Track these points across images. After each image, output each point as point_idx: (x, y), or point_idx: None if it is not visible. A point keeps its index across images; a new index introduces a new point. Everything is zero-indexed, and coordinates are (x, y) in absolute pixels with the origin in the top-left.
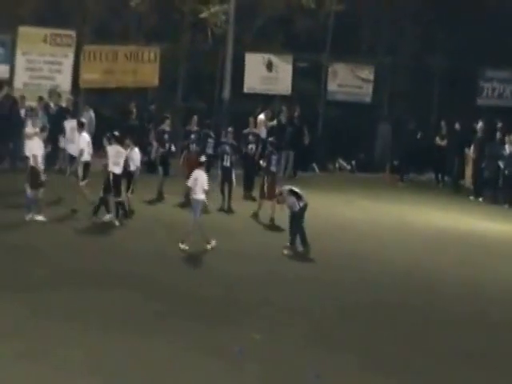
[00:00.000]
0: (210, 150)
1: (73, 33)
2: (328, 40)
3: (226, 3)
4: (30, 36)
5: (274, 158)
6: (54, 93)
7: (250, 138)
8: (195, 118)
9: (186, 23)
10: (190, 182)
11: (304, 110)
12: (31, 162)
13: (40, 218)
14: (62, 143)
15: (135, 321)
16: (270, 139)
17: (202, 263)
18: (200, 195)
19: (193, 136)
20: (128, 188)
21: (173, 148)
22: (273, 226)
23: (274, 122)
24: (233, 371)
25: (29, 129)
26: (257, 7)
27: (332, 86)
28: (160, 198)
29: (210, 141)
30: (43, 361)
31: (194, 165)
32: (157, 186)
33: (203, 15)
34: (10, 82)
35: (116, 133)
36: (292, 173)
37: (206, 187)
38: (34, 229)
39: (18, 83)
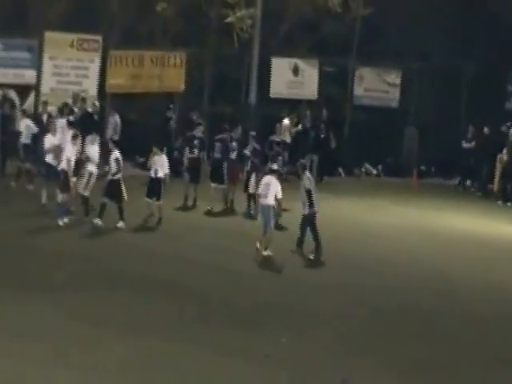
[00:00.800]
0: (232, 155)
1: (99, 38)
2: (354, 44)
3: (252, 7)
4: (56, 41)
5: (280, 158)
6: (78, 97)
7: (275, 146)
8: (240, 128)
9: (213, 28)
10: (260, 188)
11: (330, 114)
12: (64, 166)
13: (98, 222)
14: None
15: (166, 325)
16: (277, 139)
17: (231, 269)
18: (271, 201)
19: (234, 144)
20: (157, 195)
21: (203, 154)
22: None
23: (299, 127)
24: (261, 375)
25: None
26: (283, 11)
27: (358, 91)
28: (194, 205)
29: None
30: (74, 363)
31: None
32: (187, 193)
33: (229, 20)
34: (37, 87)
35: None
36: (318, 178)
37: (280, 195)
38: (64, 233)
39: (45, 88)
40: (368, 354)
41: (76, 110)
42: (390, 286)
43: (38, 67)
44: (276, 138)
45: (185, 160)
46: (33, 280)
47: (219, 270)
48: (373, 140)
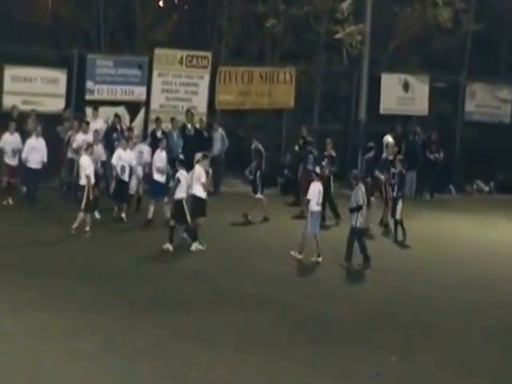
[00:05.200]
0: (310, 166)
1: (208, 54)
2: (465, 59)
3: (361, 23)
4: (165, 58)
5: (311, 156)
6: (189, 114)
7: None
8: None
9: (322, 44)
10: (310, 195)
11: (441, 130)
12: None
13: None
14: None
15: (267, 342)
16: (309, 138)
17: (322, 282)
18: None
19: (311, 156)
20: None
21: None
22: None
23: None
24: None
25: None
26: (392, 27)
27: (470, 107)
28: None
29: (311, 156)
30: (182, 382)
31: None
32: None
33: (339, 36)
34: (146, 103)
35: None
36: (418, 194)
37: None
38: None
39: (155, 105)
40: (480, 374)
41: (189, 126)
42: (509, 303)
43: (148, 84)
44: (390, 156)
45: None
46: (140, 300)
47: (314, 285)
48: (484, 156)
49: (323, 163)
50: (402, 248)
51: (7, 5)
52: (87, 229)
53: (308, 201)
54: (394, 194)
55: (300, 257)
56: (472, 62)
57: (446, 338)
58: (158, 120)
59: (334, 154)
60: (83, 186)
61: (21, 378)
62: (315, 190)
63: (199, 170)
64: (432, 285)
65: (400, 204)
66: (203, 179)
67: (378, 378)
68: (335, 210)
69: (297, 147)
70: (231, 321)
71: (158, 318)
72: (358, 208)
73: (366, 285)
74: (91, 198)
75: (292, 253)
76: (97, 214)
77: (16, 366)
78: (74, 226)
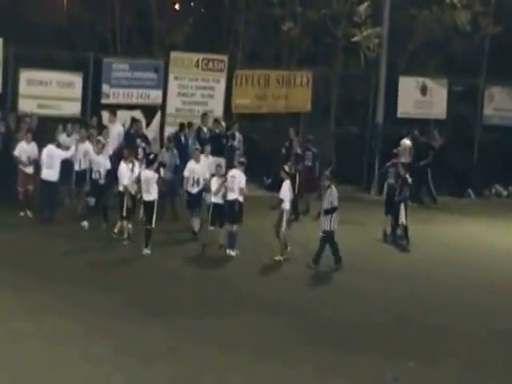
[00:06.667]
0: (309, 162)
1: (225, 57)
2: (484, 63)
3: (378, 26)
4: (181, 61)
5: (309, 153)
6: (206, 117)
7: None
8: None
9: (339, 47)
10: (282, 194)
11: (459, 134)
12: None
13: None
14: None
15: (284, 347)
16: (310, 137)
17: (338, 286)
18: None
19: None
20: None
21: None
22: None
23: None
24: None
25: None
26: (410, 30)
27: (488, 110)
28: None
29: (309, 153)
30: None
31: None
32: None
33: (356, 39)
34: (162, 107)
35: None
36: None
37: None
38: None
39: (171, 108)
40: (498, 378)
41: (205, 130)
42: None
43: (164, 88)
44: (404, 159)
45: None
46: (159, 303)
47: (330, 288)
48: (503, 160)
49: (289, 163)
50: (406, 252)
51: (23, 8)
52: (125, 236)
53: (281, 200)
54: (396, 198)
55: (282, 258)
56: (490, 65)
57: (463, 343)
58: (188, 124)
59: (300, 152)
60: (122, 194)
61: (34, 381)
62: (286, 189)
63: (239, 174)
64: (449, 289)
65: (402, 208)
66: (242, 184)
67: (395, 383)
68: (296, 208)
69: (283, 150)
70: (247, 325)
71: (172, 321)
72: (333, 210)
73: (383, 289)
74: (129, 205)
75: (276, 258)
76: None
77: (29, 369)
78: (116, 230)
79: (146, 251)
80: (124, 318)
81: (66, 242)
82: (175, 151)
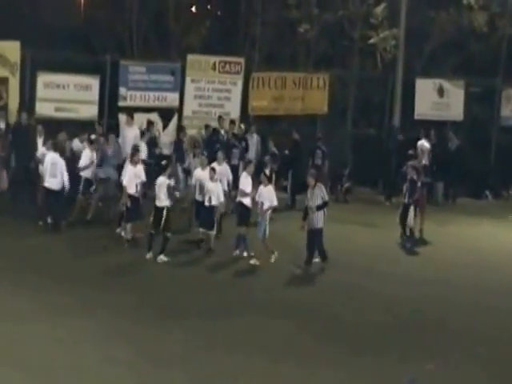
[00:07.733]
0: (319, 161)
1: (241, 60)
2: (501, 64)
3: (395, 28)
4: (198, 64)
5: (319, 152)
6: (222, 119)
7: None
8: None
9: (356, 49)
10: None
11: (476, 135)
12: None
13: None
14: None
15: (301, 350)
16: (319, 135)
17: (357, 288)
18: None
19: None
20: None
21: None
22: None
23: None
24: None
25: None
26: (427, 32)
27: (505, 112)
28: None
29: (319, 152)
30: None
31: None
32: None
33: (372, 41)
34: (179, 109)
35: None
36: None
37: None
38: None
39: (188, 111)
40: None
41: (222, 132)
42: None
43: (181, 90)
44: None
45: None
46: (173, 306)
47: (349, 289)
48: None
49: (266, 160)
50: (422, 255)
51: (40, 12)
52: (128, 237)
53: (262, 204)
54: (405, 200)
55: (272, 259)
56: (508, 66)
57: (484, 346)
58: (205, 127)
59: (275, 151)
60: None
61: (49, 383)
62: (271, 193)
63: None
64: (469, 291)
65: (411, 211)
66: (249, 188)
67: None
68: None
69: (287, 151)
70: (265, 328)
71: (188, 325)
72: (324, 205)
73: (401, 291)
74: (129, 205)
75: (272, 260)
76: None
77: (44, 370)
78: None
79: (162, 258)
80: (141, 322)
81: (82, 247)
82: (204, 157)
